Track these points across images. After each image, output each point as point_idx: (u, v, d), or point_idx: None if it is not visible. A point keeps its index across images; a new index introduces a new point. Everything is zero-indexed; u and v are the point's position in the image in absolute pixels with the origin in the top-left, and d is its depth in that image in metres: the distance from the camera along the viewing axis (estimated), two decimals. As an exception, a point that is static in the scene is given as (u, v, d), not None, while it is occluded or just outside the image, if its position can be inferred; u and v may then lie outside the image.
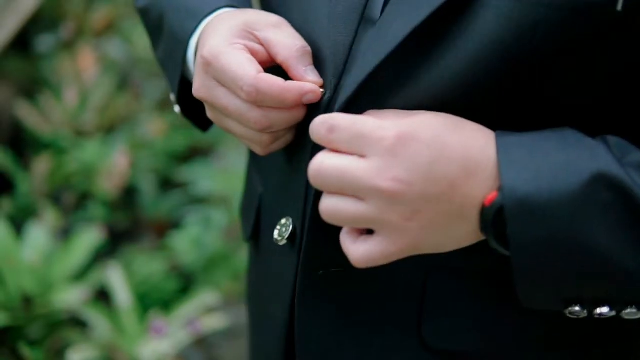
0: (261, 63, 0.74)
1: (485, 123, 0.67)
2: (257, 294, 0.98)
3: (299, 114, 0.74)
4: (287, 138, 0.77)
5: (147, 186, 2.40)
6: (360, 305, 0.79)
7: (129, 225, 2.41)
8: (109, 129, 2.50)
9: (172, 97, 0.94)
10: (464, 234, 0.66)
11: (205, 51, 0.74)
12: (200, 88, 0.76)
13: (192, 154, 2.59)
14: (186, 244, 2.14)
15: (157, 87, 2.69)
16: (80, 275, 2.01)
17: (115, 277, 1.99)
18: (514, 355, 0.78)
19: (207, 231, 2.15)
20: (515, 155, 0.63)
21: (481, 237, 0.66)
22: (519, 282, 0.65)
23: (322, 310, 0.80)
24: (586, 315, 0.66)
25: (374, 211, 0.64)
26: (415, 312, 0.77)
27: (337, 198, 0.65)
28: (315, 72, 0.73)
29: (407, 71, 0.68)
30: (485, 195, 0.64)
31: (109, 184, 2.28)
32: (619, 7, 0.62)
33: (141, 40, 2.73)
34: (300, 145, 0.78)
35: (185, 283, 2.23)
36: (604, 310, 0.66)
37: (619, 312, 0.66)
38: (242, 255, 2.18)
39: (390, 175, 0.62)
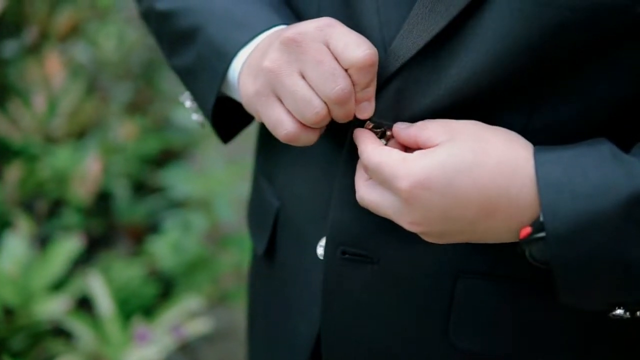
0: None
1: (511, 113, 0.70)
2: (269, 310, 0.98)
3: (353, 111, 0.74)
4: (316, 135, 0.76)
5: (121, 191, 2.37)
6: (387, 300, 0.81)
7: (104, 232, 2.38)
8: (79, 135, 2.46)
9: (188, 103, 0.93)
10: (488, 241, 0.71)
11: (323, 18, 0.73)
12: (302, 32, 0.72)
13: (165, 157, 2.57)
14: (165, 249, 2.12)
15: (125, 90, 2.66)
16: (60, 284, 1.98)
17: (97, 285, 1.97)
18: (543, 358, 0.79)
19: (187, 235, 2.13)
20: (552, 176, 0.65)
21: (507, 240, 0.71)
22: (560, 294, 0.68)
23: (347, 299, 0.82)
24: (629, 316, 0.69)
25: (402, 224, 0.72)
26: (443, 313, 0.79)
27: (378, 199, 0.73)
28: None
29: (430, 71, 0.71)
30: (514, 225, 0.68)
31: (82, 190, 2.24)
32: None
33: (106, 42, 2.69)
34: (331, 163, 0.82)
35: (165, 288, 2.21)
36: None
37: None
38: (223, 258, 2.17)
39: (409, 219, 0.70)
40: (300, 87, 0.72)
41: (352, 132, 0.76)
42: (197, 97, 0.90)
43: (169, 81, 2.71)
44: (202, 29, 0.85)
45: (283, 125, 0.74)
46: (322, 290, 0.82)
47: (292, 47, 0.72)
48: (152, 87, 2.70)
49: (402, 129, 0.73)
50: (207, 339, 2.23)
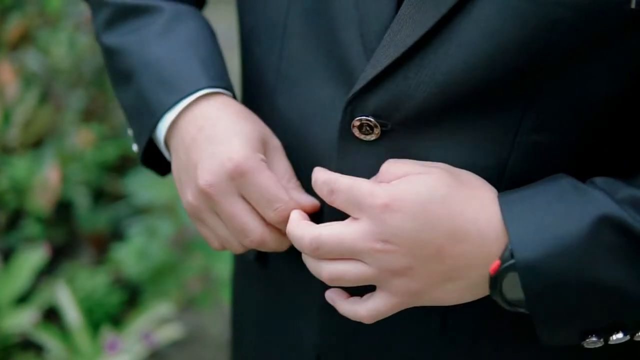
0: None
1: (504, 111, 0.71)
2: (266, 316, 0.97)
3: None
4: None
5: (81, 199, 2.34)
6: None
7: (66, 241, 2.35)
8: (35, 144, 2.42)
9: (130, 132, 0.92)
10: (460, 289, 0.72)
11: (239, 157, 0.76)
12: (215, 184, 0.76)
13: (124, 164, 2.54)
14: (131, 256, 2.11)
15: (79, 97, 2.62)
16: (26, 296, 1.96)
17: (63, 296, 1.95)
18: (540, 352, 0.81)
19: (152, 241, 2.12)
20: (517, 210, 0.68)
21: (481, 293, 0.72)
22: (537, 326, 0.69)
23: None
24: (602, 344, 0.71)
25: (372, 269, 0.71)
26: (441, 309, 0.80)
27: (339, 263, 0.72)
28: (308, 196, 0.80)
29: (418, 69, 0.71)
30: (482, 259, 0.69)
31: (42, 199, 2.21)
32: (633, 4, 0.65)
33: (57, 50, 2.65)
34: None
35: (131, 295, 2.20)
36: (619, 335, 0.70)
37: (632, 335, 0.71)
38: (190, 262, 2.16)
39: (380, 237, 0.69)
40: (218, 229, 0.80)
41: (342, 134, 0.76)
42: (133, 135, 0.90)
43: (124, 87, 2.68)
44: (136, 77, 0.86)
45: (250, 234, 0.79)
46: (319, 288, 0.82)
47: (206, 198, 0.77)
48: (105, 93, 2.67)
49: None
50: (176, 344, 2.22)
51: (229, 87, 0.85)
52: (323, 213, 0.79)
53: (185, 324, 2.20)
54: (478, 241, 0.68)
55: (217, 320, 2.30)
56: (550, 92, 0.70)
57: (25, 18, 2.68)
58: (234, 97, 0.85)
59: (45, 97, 2.59)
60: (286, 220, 0.76)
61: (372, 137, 0.74)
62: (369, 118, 0.73)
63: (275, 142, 0.82)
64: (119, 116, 2.62)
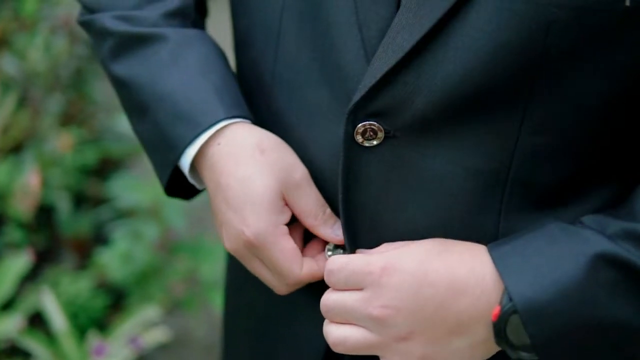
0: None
1: (504, 113, 0.71)
2: (265, 317, 0.96)
3: None
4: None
5: (63, 204, 2.32)
6: None
7: (48, 246, 2.33)
8: (14, 149, 2.40)
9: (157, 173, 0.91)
10: (468, 347, 0.71)
11: (250, 232, 0.77)
12: (238, 250, 0.80)
13: (104, 167, 2.53)
14: (115, 260, 2.09)
15: (57, 101, 2.60)
16: (11, 302, 1.94)
17: (49, 302, 1.93)
18: None
19: (137, 244, 2.10)
20: (511, 262, 0.69)
21: (489, 350, 0.72)
22: None
23: None
24: None
25: (375, 336, 0.72)
26: None
27: (344, 327, 0.74)
28: (340, 226, 0.79)
29: (418, 75, 0.71)
30: (484, 310, 0.69)
31: (23, 205, 2.19)
32: (627, 2, 0.66)
33: (34, 53, 2.63)
34: None
35: (116, 299, 2.19)
36: None
37: None
38: (175, 265, 2.16)
39: (379, 303, 0.70)
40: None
41: (345, 149, 0.76)
42: (154, 167, 0.89)
43: (101, 90, 2.67)
44: (151, 112, 0.84)
45: (275, 289, 0.82)
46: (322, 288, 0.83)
47: (237, 256, 0.81)
48: (84, 97, 2.65)
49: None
50: (163, 348, 2.21)
51: (246, 114, 0.83)
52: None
53: (172, 327, 2.19)
54: (477, 290, 0.69)
55: (204, 322, 2.30)
56: (550, 94, 0.70)
57: (0, 22, 2.66)
58: (253, 120, 0.84)
59: (23, 102, 2.56)
60: (299, 285, 0.80)
61: (374, 143, 0.74)
62: (372, 122, 0.74)
63: (298, 175, 0.80)
64: (98, 119, 2.61)
